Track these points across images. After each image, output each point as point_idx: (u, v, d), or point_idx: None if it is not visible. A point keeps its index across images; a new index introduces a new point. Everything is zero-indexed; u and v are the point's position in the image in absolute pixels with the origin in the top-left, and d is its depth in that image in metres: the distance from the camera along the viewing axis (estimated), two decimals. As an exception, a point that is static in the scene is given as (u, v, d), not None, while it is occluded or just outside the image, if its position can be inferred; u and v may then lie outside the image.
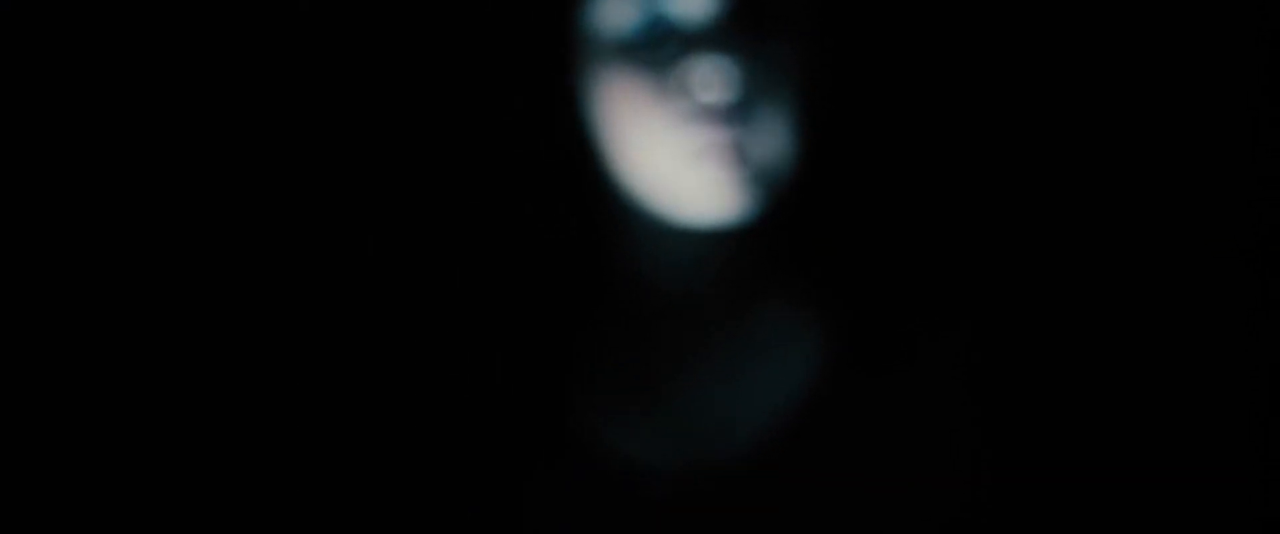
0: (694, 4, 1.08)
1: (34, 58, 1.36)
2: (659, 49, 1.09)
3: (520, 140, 1.24)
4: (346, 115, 1.39)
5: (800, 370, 1.15)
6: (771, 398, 1.15)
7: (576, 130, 1.16)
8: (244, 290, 1.38)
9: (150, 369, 1.37)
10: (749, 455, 1.13)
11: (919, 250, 1.26)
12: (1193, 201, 1.37)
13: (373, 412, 1.23)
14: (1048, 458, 1.16)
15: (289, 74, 1.39)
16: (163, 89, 1.38)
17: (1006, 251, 1.34)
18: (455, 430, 1.19)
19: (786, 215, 1.16)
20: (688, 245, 1.14)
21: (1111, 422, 1.25)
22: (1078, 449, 1.18)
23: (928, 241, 1.29)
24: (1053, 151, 1.37)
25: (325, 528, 1.24)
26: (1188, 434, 1.31)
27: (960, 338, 1.16)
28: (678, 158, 1.08)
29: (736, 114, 1.06)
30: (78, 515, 1.34)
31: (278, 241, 1.39)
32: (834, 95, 1.17)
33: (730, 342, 1.17)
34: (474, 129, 1.30)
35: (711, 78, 1.06)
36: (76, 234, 1.36)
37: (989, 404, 1.15)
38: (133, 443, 1.35)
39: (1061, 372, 1.19)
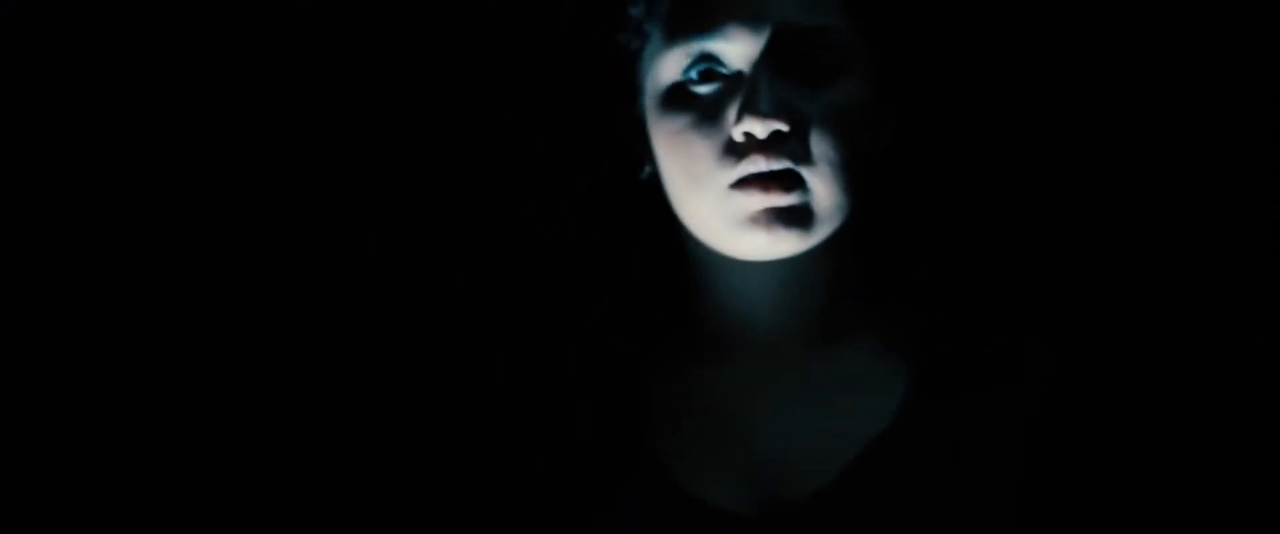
0: (738, 42, 1.08)
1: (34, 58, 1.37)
2: (706, 86, 1.10)
3: (591, 183, 1.29)
4: (421, 161, 1.40)
5: (878, 411, 1.12)
6: (849, 439, 1.11)
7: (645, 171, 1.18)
8: (308, 321, 1.38)
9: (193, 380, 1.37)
10: (826, 499, 1.09)
11: (992, 283, 1.24)
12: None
13: (452, 453, 1.24)
14: (1124, 502, 1.13)
15: (383, 118, 1.40)
16: (170, 91, 1.38)
17: (1083, 283, 1.32)
18: (531, 472, 1.18)
19: (857, 247, 1.15)
20: (753, 280, 1.13)
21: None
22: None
23: (1000, 274, 1.28)
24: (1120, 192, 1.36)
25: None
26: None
27: (1039, 373, 1.12)
28: (723, 192, 1.08)
29: (780, 148, 1.06)
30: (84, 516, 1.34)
31: (353, 281, 1.39)
32: (894, 125, 1.17)
33: (806, 379, 1.14)
34: (543, 173, 1.35)
35: (754, 113, 1.05)
36: (82, 234, 1.37)
37: (1067, 446, 1.11)
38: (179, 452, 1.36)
39: (1140, 410, 1.17)
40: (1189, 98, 1.34)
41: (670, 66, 1.11)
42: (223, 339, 1.37)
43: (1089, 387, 1.12)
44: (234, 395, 1.36)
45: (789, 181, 1.06)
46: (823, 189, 1.07)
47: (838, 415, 1.12)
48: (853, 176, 1.08)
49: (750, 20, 1.07)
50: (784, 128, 1.05)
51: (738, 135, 1.06)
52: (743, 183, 1.07)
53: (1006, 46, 1.34)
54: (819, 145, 1.06)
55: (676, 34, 1.10)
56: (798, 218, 1.07)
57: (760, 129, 1.05)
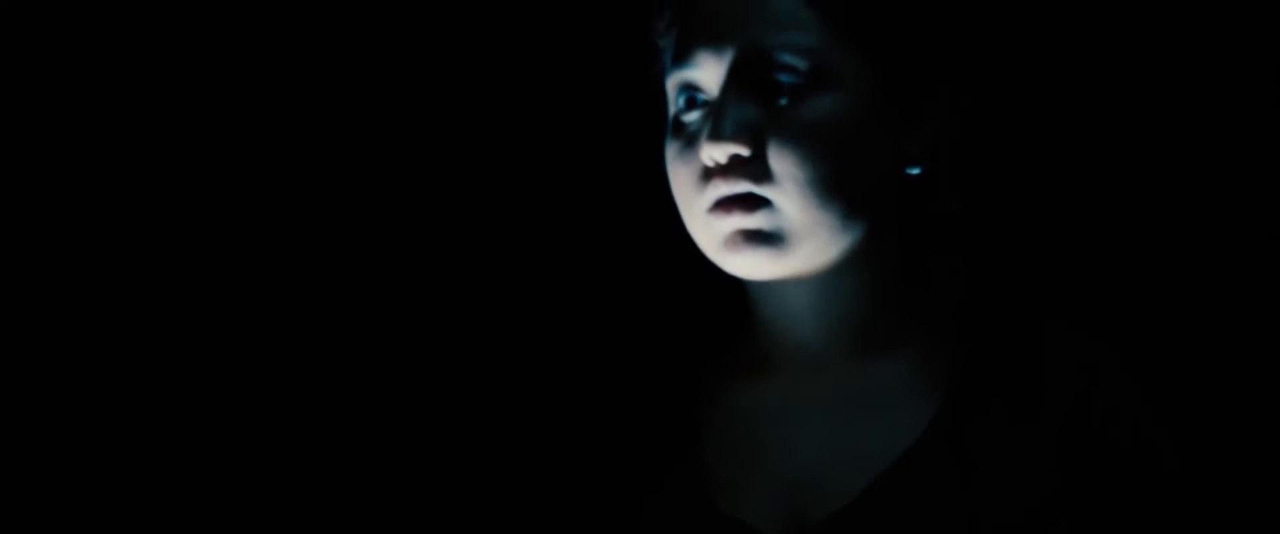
0: (706, 68, 1.08)
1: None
2: (691, 114, 1.10)
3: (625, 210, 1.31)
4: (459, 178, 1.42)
5: (906, 428, 1.10)
6: (875, 456, 1.09)
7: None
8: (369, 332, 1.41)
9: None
10: (846, 518, 1.08)
11: (1031, 298, 1.20)
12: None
13: (487, 473, 1.28)
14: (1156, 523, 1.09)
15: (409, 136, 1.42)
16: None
17: (1124, 298, 1.30)
18: (578, 478, 1.20)
19: (896, 261, 1.14)
20: (786, 296, 1.12)
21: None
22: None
23: (1039, 289, 1.26)
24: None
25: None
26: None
27: (1073, 392, 1.08)
28: (703, 217, 1.08)
29: (742, 171, 1.05)
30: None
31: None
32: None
33: (840, 395, 1.13)
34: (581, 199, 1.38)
35: (713, 138, 1.05)
36: (82, 234, 1.37)
37: (1099, 466, 1.08)
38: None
39: (1177, 428, 1.12)
40: (1236, 98, 1.32)
41: (671, 99, 1.12)
42: (271, 341, 1.39)
43: (1124, 406, 1.08)
44: (262, 397, 1.39)
45: (751, 203, 1.06)
46: (792, 208, 1.06)
47: (867, 432, 1.10)
48: (834, 193, 1.06)
49: (715, 45, 1.07)
50: (743, 151, 1.05)
51: (706, 160, 1.07)
52: (715, 207, 1.07)
53: (1036, 50, 1.33)
54: (785, 165, 1.05)
55: (670, 67, 1.12)
56: (767, 238, 1.07)
57: (719, 154, 1.06)
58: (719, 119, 1.06)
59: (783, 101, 1.06)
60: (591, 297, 1.38)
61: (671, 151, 1.11)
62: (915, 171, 1.12)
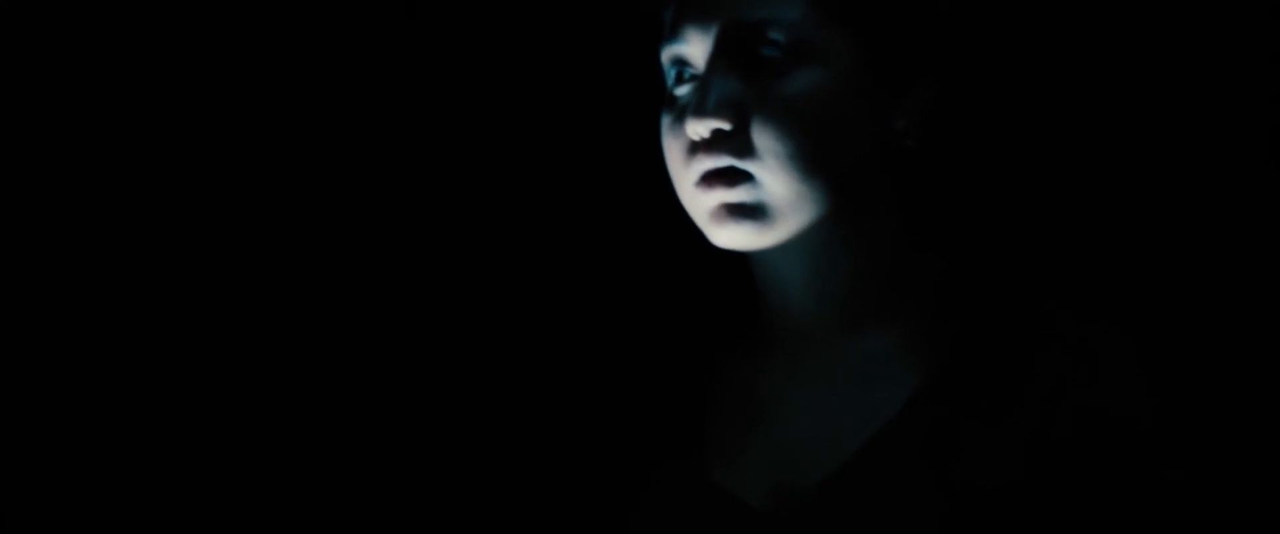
0: (693, 43, 1.09)
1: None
2: (682, 88, 1.11)
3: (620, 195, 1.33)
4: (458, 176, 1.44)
5: (885, 403, 1.10)
6: (853, 431, 1.10)
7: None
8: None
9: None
10: (823, 491, 1.09)
11: (1019, 276, 1.20)
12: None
13: (478, 443, 1.31)
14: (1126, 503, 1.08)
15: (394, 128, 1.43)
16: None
17: (1114, 283, 1.30)
18: (554, 459, 1.24)
19: (890, 237, 1.14)
20: (778, 269, 1.13)
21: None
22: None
23: (1027, 267, 1.25)
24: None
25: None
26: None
27: (1053, 372, 1.08)
28: (692, 190, 1.10)
29: (724, 145, 1.06)
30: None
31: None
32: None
33: (825, 370, 1.14)
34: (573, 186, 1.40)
35: (696, 113, 1.06)
36: (82, 234, 1.37)
37: (1074, 446, 1.07)
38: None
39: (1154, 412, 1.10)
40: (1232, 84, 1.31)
41: (665, 73, 1.14)
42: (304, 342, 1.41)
43: (1116, 393, 1.07)
44: (267, 385, 1.39)
45: (733, 177, 1.07)
46: (774, 182, 1.07)
47: (848, 407, 1.12)
48: (815, 167, 1.07)
49: (701, 19, 1.09)
50: (725, 126, 1.06)
51: (691, 134, 1.08)
52: (700, 180, 1.09)
53: (1027, 30, 1.32)
54: (766, 139, 1.06)
55: (663, 41, 1.13)
56: (750, 212, 1.08)
57: (702, 128, 1.07)
58: (702, 94, 1.07)
59: (766, 76, 1.07)
60: (603, 274, 1.39)
61: (664, 125, 1.13)
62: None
